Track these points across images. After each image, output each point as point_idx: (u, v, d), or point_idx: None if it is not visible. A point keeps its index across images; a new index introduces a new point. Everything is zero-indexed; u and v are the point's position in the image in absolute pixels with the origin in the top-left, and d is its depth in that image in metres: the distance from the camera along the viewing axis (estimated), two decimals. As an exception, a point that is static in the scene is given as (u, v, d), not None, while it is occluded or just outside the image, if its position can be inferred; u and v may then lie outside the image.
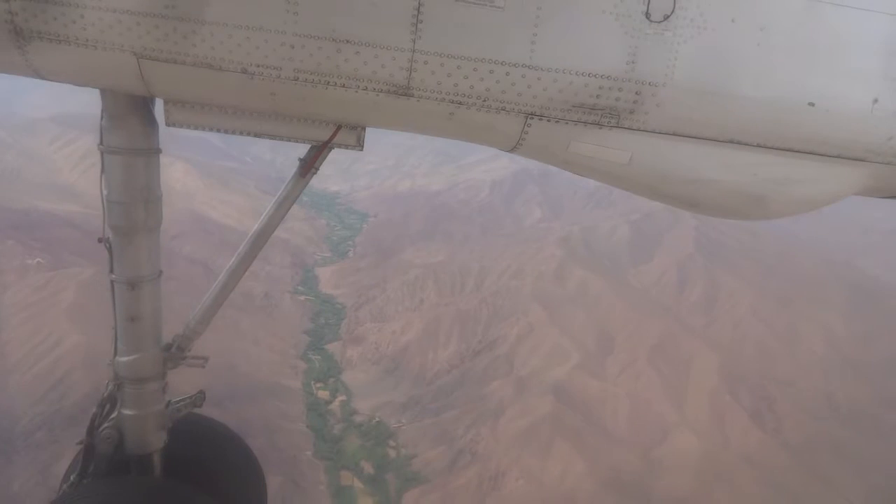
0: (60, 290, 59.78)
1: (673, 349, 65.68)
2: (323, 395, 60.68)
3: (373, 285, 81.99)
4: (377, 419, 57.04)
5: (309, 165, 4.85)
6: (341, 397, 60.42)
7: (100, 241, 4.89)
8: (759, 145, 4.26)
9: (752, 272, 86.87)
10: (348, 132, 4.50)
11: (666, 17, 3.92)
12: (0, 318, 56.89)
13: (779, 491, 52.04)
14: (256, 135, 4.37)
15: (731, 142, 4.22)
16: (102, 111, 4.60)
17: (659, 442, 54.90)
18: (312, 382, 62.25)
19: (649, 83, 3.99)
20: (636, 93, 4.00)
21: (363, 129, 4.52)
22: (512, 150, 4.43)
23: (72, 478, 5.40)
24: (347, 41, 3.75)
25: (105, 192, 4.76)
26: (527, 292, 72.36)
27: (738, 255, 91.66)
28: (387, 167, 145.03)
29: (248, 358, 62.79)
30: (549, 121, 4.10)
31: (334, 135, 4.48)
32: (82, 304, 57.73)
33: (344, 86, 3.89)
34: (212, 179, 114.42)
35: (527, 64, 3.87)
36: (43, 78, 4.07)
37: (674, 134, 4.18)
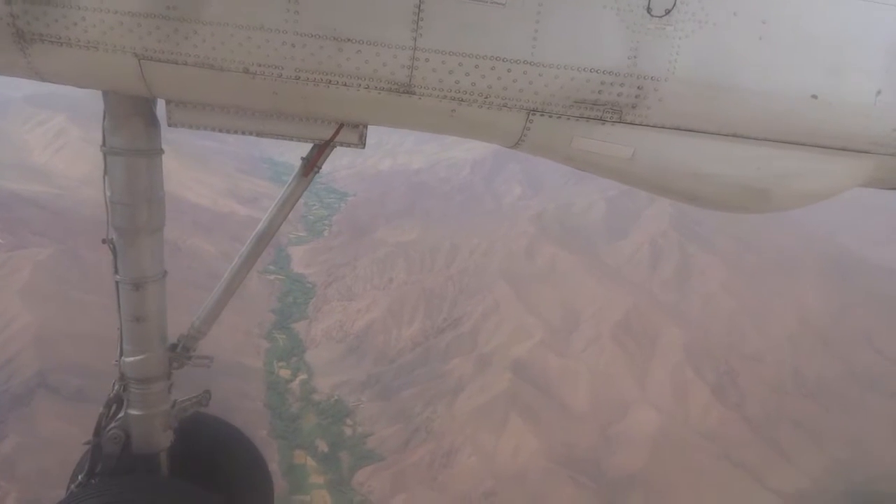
0: (16, 270, 59.15)
1: (639, 325, 65.32)
2: (284, 373, 60.42)
3: (343, 264, 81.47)
4: (336, 397, 56.80)
5: (311, 164, 4.87)
6: (302, 376, 60.16)
7: (104, 242, 4.93)
8: (761, 139, 4.24)
9: (726, 248, 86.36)
10: (350, 130, 4.50)
11: (667, 12, 3.90)
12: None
13: (735, 465, 52.00)
14: (259, 134, 4.37)
15: (734, 135, 4.20)
16: (105, 112, 4.60)
17: (618, 418, 54.70)
18: (275, 361, 61.94)
19: (651, 78, 3.98)
20: (638, 87, 3.99)
21: (365, 126, 4.53)
22: (514, 146, 4.42)
23: (79, 478, 5.41)
24: (349, 40, 3.75)
25: (108, 194, 4.76)
26: (494, 270, 71.84)
27: (715, 231, 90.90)
28: (369, 145, 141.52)
29: (210, 338, 62.19)
30: (550, 117, 4.10)
31: (336, 133, 4.48)
32: (37, 285, 57.29)
33: (346, 84, 3.90)
34: (189, 159, 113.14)
35: (528, 60, 3.87)
36: (45, 80, 4.07)
37: (676, 128, 4.17)
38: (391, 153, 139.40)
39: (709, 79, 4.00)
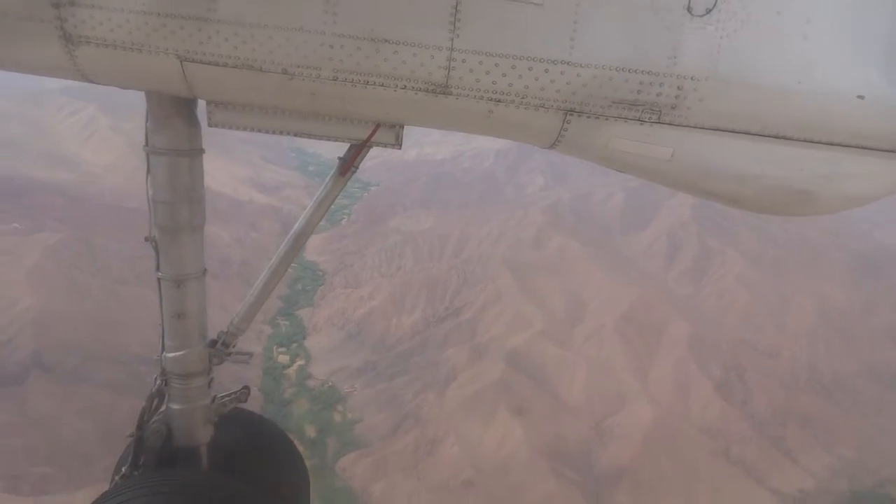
0: (26, 254, 60.76)
1: (645, 318, 63.66)
2: (283, 359, 60.67)
3: (353, 252, 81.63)
4: (330, 384, 56.81)
5: (348, 165, 4.94)
6: (300, 362, 60.34)
7: (146, 240, 5.05)
8: (805, 140, 4.09)
9: (748, 241, 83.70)
10: (387, 131, 4.53)
11: (708, 11, 3.80)
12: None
13: (732, 463, 50.28)
14: (296, 134, 4.45)
15: (777, 136, 4.05)
16: (147, 113, 4.74)
17: (614, 411, 53.37)
18: (275, 347, 62.32)
19: (692, 78, 3.87)
20: (678, 88, 3.90)
21: (401, 127, 4.56)
22: (551, 147, 4.37)
23: (123, 469, 5.60)
24: (386, 40, 3.76)
25: (150, 192, 4.91)
26: (499, 259, 70.94)
27: (739, 223, 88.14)
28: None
29: (212, 324, 62.98)
30: (588, 117, 4.03)
31: (373, 134, 4.50)
32: (43, 268, 58.78)
33: (383, 85, 3.91)
34: (213, 147, 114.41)
35: (566, 60, 3.81)
36: (91, 81, 4.20)
37: (717, 129, 4.05)
38: (418, 143, 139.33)
39: (751, 78, 3.86)
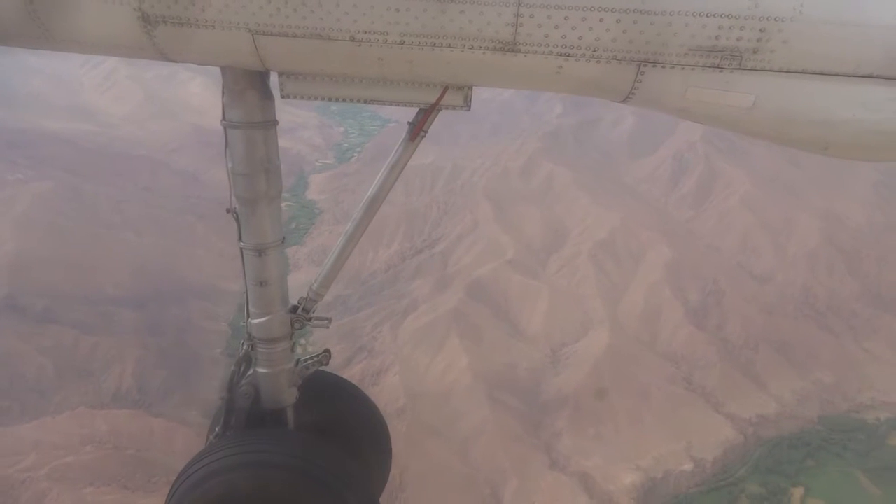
0: (18, 201, 63.78)
1: (625, 244, 61.49)
2: (260, 296, 62.03)
3: (349, 189, 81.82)
4: (297, 318, 57.87)
5: (417, 129, 4.90)
6: (275, 298, 61.61)
7: (228, 211, 5.17)
8: None
9: (763, 161, 78.64)
10: (455, 93, 4.45)
11: None
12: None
13: (690, 389, 48.69)
14: (366, 101, 4.44)
15: (870, 77, 3.75)
16: (223, 88, 4.79)
17: (575, 339, 52.32)
18: (253, 285, 63.69)
19: (775, 18, 3.61)
20: (760, 30, 3.64)
21: (470, 88, 4.47)
22: (624, 100, 4.19)
23: (216, 430, 5.82)
24: (452, 0, 3.67)
25: (229, 165, 4.99)
26: (481, 189, 69.57)
27: (755, 142, 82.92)
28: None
29: (193, 262, 65.10)
30: (663, 67, 3.84)
31: (441, 96, 4.43)
32: (30, 215, 61.59)
33: (450, 46, 3.83)
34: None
35: (638, 9, 3.62)
36: (169, 60, 4.26)
37: (803, 72, 3.78)
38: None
39: (841, 15, 3.54)
